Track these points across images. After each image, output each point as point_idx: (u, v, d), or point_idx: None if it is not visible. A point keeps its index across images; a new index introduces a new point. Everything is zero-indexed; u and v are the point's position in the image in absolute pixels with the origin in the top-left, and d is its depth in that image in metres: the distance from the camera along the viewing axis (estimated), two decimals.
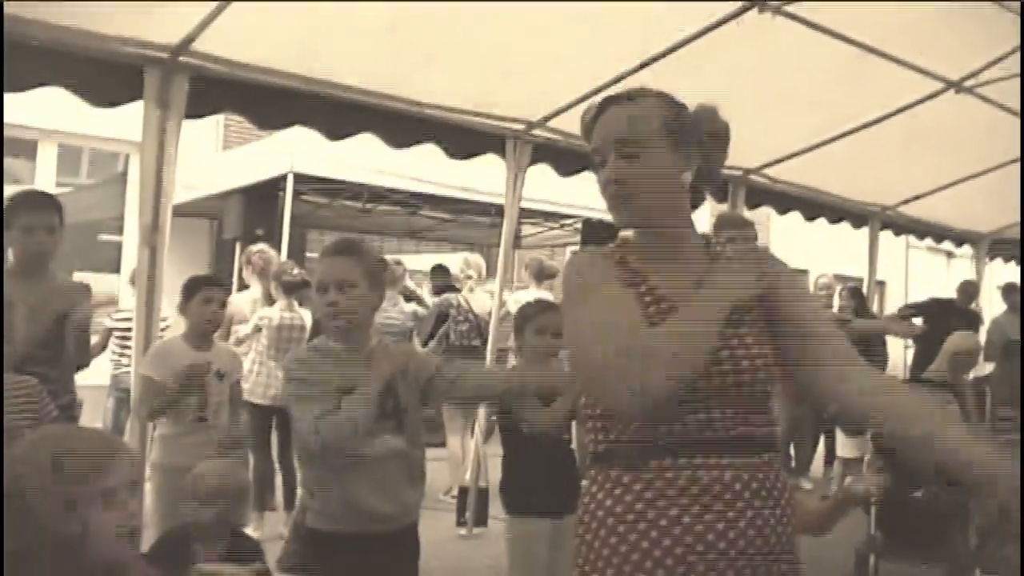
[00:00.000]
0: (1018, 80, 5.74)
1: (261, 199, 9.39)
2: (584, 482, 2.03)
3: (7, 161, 11.55)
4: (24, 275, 4.05)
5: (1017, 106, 6.24)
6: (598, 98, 2.11)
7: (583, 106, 2.15)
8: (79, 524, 1.81)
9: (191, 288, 4.72)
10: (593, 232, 10.67)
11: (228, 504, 3.22)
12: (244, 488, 3.37)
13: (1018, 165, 7.12)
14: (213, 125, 11.53)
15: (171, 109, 4.63)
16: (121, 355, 7.38)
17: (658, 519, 1.88)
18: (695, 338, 1.86)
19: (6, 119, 10.48)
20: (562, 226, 12.34)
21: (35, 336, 3.89)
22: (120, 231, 11.83)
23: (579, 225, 11.66)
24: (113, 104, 4.61)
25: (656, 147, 1.98)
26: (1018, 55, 5.64)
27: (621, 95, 2.06)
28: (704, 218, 5.61)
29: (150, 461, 4.63)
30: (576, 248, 13.15)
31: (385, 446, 2.97)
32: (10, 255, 4.18)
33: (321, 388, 2.89)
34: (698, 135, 2.04)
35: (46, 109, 9.41)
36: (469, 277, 8.26)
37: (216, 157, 11.10)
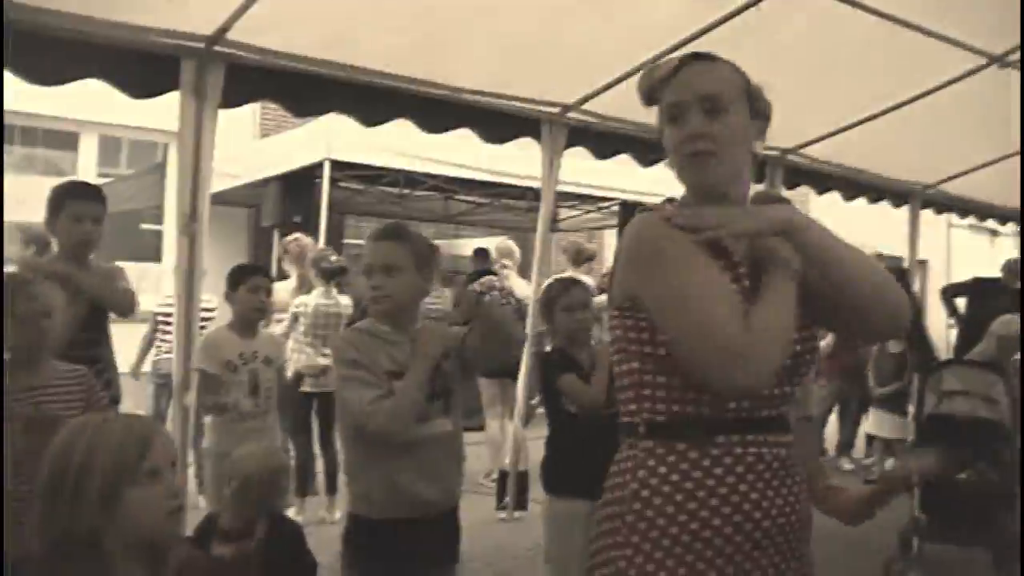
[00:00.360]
0: None
1: (298, 186, 9.41)
2: (630, 453, 1.99)
3: (50, 153, 11.69)
4: (67, 262, 4.13)
5: None
6: (634, 79, 2.09)
7: (622, 87, 2.13)
8: (123, 507, 1.84)
9: (237, 277, 4.81)
10: (631, 215, 10.64)
11: (267, 487, 3.24)
12: (283, 471, 3.40)
13: None
14: (250, 113, 11.58)
15: (207, 99, 4.65)
16: (162, 341, 7.46)
17: (729, 495, 1.90)
18: (791, 314, 1.88)
19: (48, 112, 10.69)
20: (599, 209, 12.28)
21: (78, 319, 3.97)
22: (160, 220, 11.94)
23: (616, 207, 11.61)
24: (151, 95, 4.64)
25: (738, 111, 1.97)
26: None
27: (702, 54, 2.04)
28: None
29: (203, 447, 4.74)
30: (612, 231, 13.11)
31: (435, 429, 3.00)
32: (55, 243, 4.25)
33: (370, 370, 2.93)
34: (765, 110, 2.04)
35: (86, 101, 9.53)
36: (504, 266, 8.26)
37: (253, 145, 11.16)
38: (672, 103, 1.98)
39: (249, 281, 4.75)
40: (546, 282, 5.18)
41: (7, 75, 4.18)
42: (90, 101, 9.46)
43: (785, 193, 7.17)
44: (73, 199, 4.15)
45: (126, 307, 4.34)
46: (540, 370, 4.35)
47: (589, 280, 7.85)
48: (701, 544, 1.88)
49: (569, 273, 8.39)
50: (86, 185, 4.59)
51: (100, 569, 1.83)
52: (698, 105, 1.95)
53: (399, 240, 3.05)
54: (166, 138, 11.74)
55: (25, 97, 7.03)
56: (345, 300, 6.81)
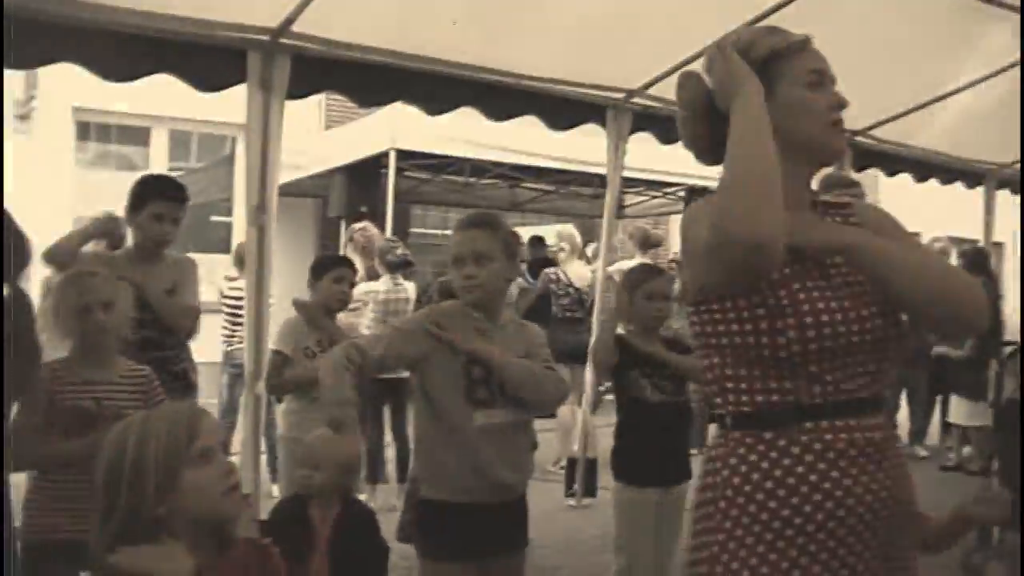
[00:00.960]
0: None
1: (364, 176, 9.48)
2: (720, 443, 2.00)
3: (124, 149, 11.91)
4: (140, 258, 4.21)
5: None
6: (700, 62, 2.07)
7: (689, 67, 2.11)
8: (181, 491, 1.89)
9: (322, 267, 4.87)
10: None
11: (339, 471, 3.26)
12: (354, 456, 3.42)
13: None
14: (315, 105, 11.68)
15: (274, 91, 4.71)
16: (232, 333, 7.57)
17: (821, 482, 1.88)
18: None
19: (120, 108, 10.87)
20: (665, 195, 12.22)
21: (149, 311, 4.05)
22: (229, 212, 12.11)
23: (683, 193, 11.54)
24: (219, 88, 4.71)
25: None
26: None
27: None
28: None
29: (277, 434, 4.81)
30: (678, 217, 12.98)
31: (509, 416, 3.03)
32: (130, 237, 4.31)
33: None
34: None
35: (157, 97, 9.69)
36: (562, 250, 8.24)
37: (319, 136, 11.26)
38: (815, 69, 2.00)
39: (333, 271, 4.80)
40: (629, 265, 5.16)
41: (81, 73, 4.28)
42: (160, 96, 9.65)
43: (854, 175, 7.05)
44: (156, 198, 4.21)
45: (186, 329, 4.44)
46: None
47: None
48: (793, 531, 1.87)
49: (637, 259, 8.37)
50: (170, 184, 4.63)
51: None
52: (831, 80, 2.01)
53: (489, 229, 3.06)
54: (234, 131, 11.91)
55: (100, 95, 7.20)
56: (411, 286, 6.87)
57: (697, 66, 2.08)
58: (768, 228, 1.74)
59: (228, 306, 7.62)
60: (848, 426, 1.91)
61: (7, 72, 9.06)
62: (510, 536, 3.09)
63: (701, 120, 2.02)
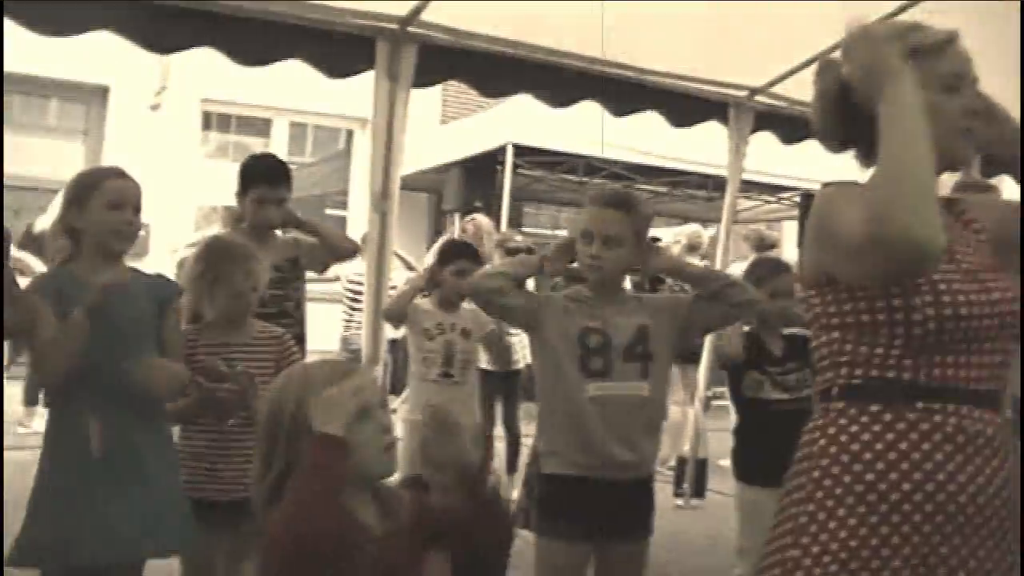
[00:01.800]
0: None
1: (479, 171, 9.54)
2: (821, 415, 1.97)
3: (244, 139, 12.20)
4: (252, 238, 4.26)
5: None
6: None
7: (813, 69, 2.08)
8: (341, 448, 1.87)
9: (447, 255, 4.87)
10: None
11: (460, 474, 3.28)
12: (474, 455, 3.43)
13: None
14: (432, 100, 11.81)
15: (400, 79, 4.77)
16: (351, 318, 7.68)
17: (922, 462, 1.84)
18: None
19: (242, 99, 11.12)
20: (779, 200, 12.03)
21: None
22: (344, 206, 12.32)
23: (797, 198, 11.34)
24: (346, 75, 4.79)
25: None
26: None
27: None
28: None
29: (399, 418, 4.85)
30: (792, 223, 12.76)
31: (626, 390, 3.00)
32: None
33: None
34: None
35: (278, 88, 9.92)
36: (678, 243, 8.14)
37: (435, 131, 11.37)
38: (954, 72, 1.94)
39: (456, 263, 4.75)
40: (752, 259, 5.07)
41: (210, 64, 4.38)
42: (281, 88, 9.89)
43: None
44: (258, 182, 4.23)
45: (348, 250, 4.59)
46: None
47: None
48: (888, 507, 1.83)
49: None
50: (272, 166, 4.55)
51: None
52: (972, 83, 1.96)
53: (625, 211, 3.04)
54: (351, 124, 12.13)
55: (227, 86, 7.37)
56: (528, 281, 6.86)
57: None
58: (930, 229, 1.71)
59: (349, 292, 7.74)
60: (960, 413, 1.86)
61: (144, 61, 9.39)
62: (628, 521, 3.05)
63: (834, 110, 2.00)
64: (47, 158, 10.83)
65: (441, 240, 7.37)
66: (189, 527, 2.99)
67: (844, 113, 1.97)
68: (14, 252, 5.92)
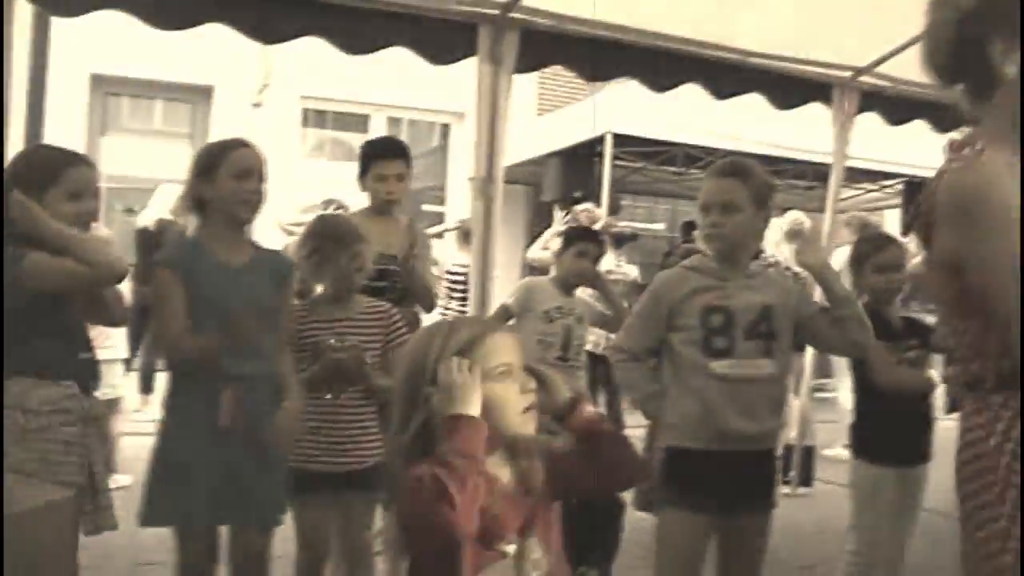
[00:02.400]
0: None
1: (578, 161, 9.53)
2: (978, 408, 1.89)
3: (341, 134, 12.36)
4: (373, 216, 4.32)
5: None
6: None
7: (914, 50, 2.02)
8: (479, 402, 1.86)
9: (570, 238, 4.82)
10: (917, 193, 10.08)
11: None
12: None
13: None
14: (528, 91, 11.81)
15: (503, 64, 4.79)
16: (447, 306, 7.74)
17: None
18: None
19: (342, 96, 11.26)
20: (881, 188, 11.78)
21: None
22: (442, 201, 12.39)
23: (901, 186, 11.10)
24: (448, 61, 4.84)
25: None
26: None
27: None
28: None
29: None
30: (894, 211, 12.47)
31: (748, 368, 3.00)
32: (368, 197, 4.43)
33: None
34: None
35: (375, 83, 10.04)
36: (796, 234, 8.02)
37: (532, 123, 11.38)
38: None
39: (578, 245, 4.71)
40: (858, 238, 4.97)
41: (311, 60, 4.45)
42: (378, 83, 10.00)
43: None
44: (377, 159, 4.32)
45: (429, 304, 4.49)
46: None
47: None
48: None
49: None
50: (389, 144, 4.75)
51: None
52: None
53: (738, 177, 3.04)
54: (447, 118, 12.19)
55: (320, 82, 7.46)
56: (632, 269, 6.84)
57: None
58: None
59: (450, 279, 7.79)
60: None
61: (247, 59, 9.57)
62: (752, 492, 3.06)
63: (947, 43, 1.93)
64: (155, 158, 11.10)
65: (562, 222, 7.37)
66: (302, 497, 3.08)
67: (957, 47, 1.90)
68: None
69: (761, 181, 3.07)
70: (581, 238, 4.82)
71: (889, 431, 3.77)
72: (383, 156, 4.30)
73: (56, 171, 2.76)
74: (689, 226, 9.28)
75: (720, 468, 2.94)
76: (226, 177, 2.97)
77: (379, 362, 3.31)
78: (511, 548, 1.84)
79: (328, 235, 3.44)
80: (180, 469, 2.90)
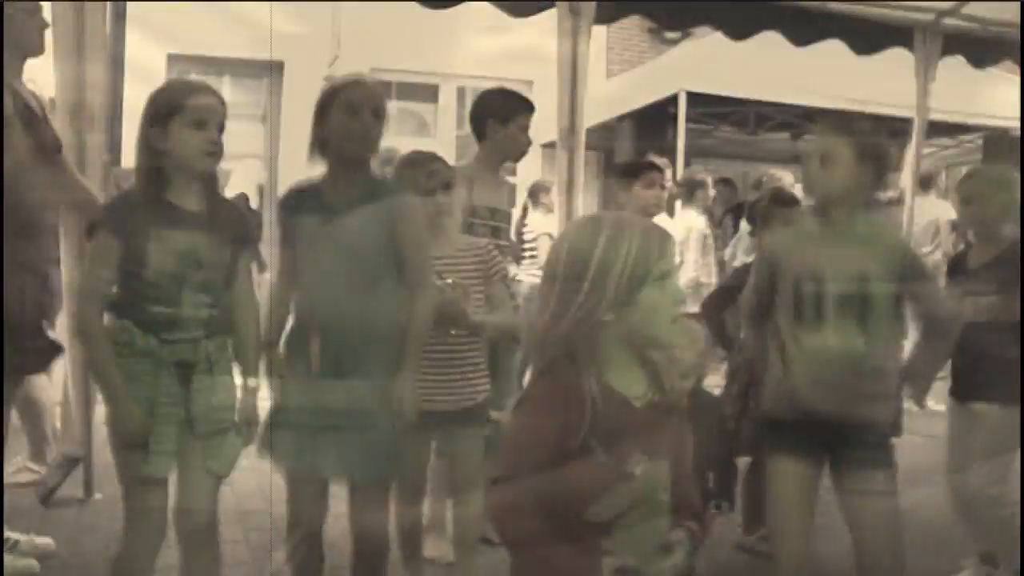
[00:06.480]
0: None
1: (651, 122, 9.47)
2: None
3: (410, 104, 12.40)
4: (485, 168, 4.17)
5: None
6: None
7: None
8: (634, 307, 1.83)
9: (631, 171, 4.66)
10: (998, 149, 9.83)
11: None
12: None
13: None
14: (596, 55, 11.74)
15: (583, 15, 4.79)
16: (516, 269, 7.73)
17: None
18: None
19: (409, 67, 11.29)
20: (960, 144, 11.53)
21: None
22: (513, 171, 12.37)
23: (980, 141, 10.86)
24: (527, 14, 4.90)
25: None
26: None
27: None
28: None
29: None
30: (973, 167, 12.21)
31: (831, 340, 2.87)
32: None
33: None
34: None
35: (444, 52, 10.05)
36: None
37: (601, 87, 11.31)
38: None
39: (644, 177, 4.55)
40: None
41: (381, 28, 4.46)
42: (447, 52, 10.00)
43: None
44: (525, 112, 4.08)
45: None
46: None
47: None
48: None
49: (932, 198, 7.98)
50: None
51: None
52: None
53: (840, 130, 2.93)
54: (518, 87, 12.15)
55: (390, 53, 7.44)
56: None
57: None
58: None
59: (521, 240, 7.76)
60: None
61: (317, 33, 9.61)
62: (862, 444, 2.88)
63: None
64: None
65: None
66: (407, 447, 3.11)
67: None
68: None
69: (863, 133, 2.93)
70: (646, 168, 4.66)
71: (980, 367, 3.72)
72: (531, 110, 4.12)
73: (179, 100, 2.73)
74: (728, 183, 9.20)
75: (800, 435, 2.89)
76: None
77: (481, 299, 3.32)
78: (639, 469, 1.79)
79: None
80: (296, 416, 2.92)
